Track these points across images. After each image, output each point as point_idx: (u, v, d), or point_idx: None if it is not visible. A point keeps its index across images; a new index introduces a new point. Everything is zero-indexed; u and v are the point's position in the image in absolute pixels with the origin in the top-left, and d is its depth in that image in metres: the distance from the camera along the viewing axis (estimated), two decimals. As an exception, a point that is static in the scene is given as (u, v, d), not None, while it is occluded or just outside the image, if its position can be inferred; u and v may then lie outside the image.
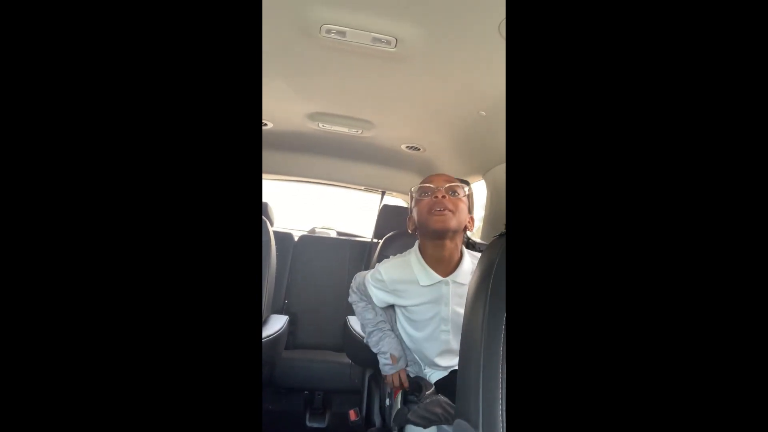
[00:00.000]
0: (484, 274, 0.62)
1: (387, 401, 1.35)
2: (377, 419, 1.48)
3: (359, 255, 2.31)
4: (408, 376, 1.26)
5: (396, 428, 1.22)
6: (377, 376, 1.55)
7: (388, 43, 1.04)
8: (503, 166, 1.68)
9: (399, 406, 1.23)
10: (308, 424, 2.04)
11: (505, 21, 0.89)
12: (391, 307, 1.31)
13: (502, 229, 0.61)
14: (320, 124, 1.74)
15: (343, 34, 1.03)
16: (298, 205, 3.00)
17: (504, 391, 0.50)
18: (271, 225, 1.95)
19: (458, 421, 0.59)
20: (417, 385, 1.20)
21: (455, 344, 1.24)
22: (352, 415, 1.52)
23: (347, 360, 1.88)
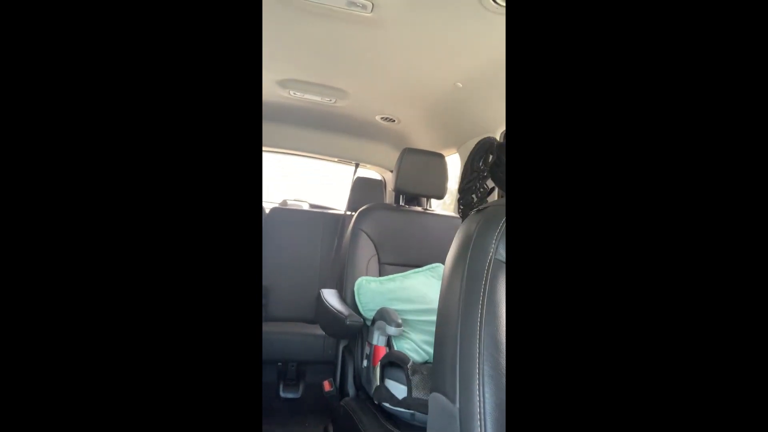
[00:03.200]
0: (462, 249, 0.61)
1: (364, 363, 1.37)
2: (351, 389, 1.51)
3: (332, 228, 2.29)
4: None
5: (375, 400, 1.24)
6: (351, 347, 1.57)
7: (364, 7, 0.99)
8: (477, 139, 1.67)
9: (378, 375, 1.25)
10: (282, 394, 2.06)
11: None
12: None
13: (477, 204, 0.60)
14: (292, 92, 1.68)
15: (316, -5, 0.97)
16: (270, 177, 2.93)
17: (482, 367, 0.51)
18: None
19: (434, 395, 0.60)
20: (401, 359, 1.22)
21: None
22: (326, 385, 1.54)
23: (321, 332, 1.89)
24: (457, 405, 0.52)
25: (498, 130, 1.55)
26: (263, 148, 2.35)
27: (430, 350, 1.34)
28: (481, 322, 0.52)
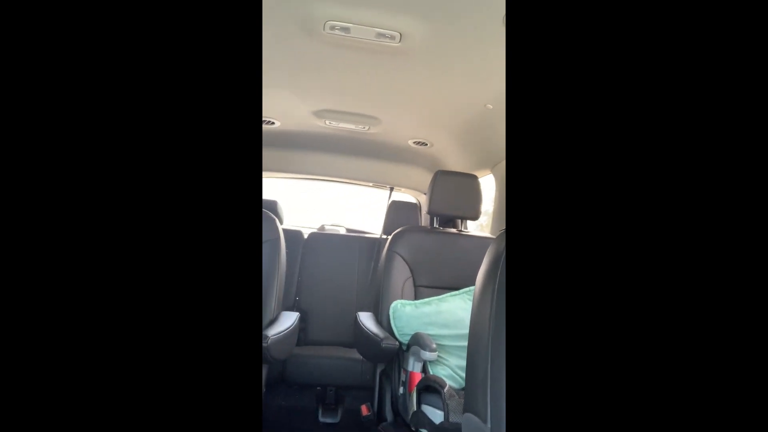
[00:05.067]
0: (491, 268, 0.61)
1: (400, 390, 1.35)
2: (389, 415, 1.49)
3: (368, 251, 2.31)
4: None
5: (413, 426, 1.23)
6: (388, 371, 1.56)
7: (393, 38, 1.04)
8: (511, 159, 1.66)
9: (414, 400, 1.24)
10: (321, 419, 2.05)
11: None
12: None
13: None
14: (327, 122, 1.74)
15: (347, 30, 1.02)
16: (308, 203, 3.01)
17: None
18: (281, 223, 1.96)
19: (467, 415, 0.59)
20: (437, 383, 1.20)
21: None
22: (364, 410, 1.53)
23: (358, 356, 1.89)
24: (488, 425, 0.51)
25: (531, 149, 1.54)
26: (302, 175, 2.43)
27: (468, 374, 1.32)
28: (510, 339, 0.52)
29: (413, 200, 2.44)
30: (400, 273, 1.57)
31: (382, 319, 1.52)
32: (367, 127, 1.76)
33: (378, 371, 1.64)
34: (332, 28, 1.01)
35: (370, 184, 2.49)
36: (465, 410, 0.60)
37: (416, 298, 1.56)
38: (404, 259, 1.59)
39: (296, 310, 2.16)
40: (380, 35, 1.03)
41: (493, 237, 1.75)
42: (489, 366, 0.53)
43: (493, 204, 1.90)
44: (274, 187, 2.59)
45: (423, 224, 2.33)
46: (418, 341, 1.29)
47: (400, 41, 1.05)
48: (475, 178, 1.64)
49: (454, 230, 1.70)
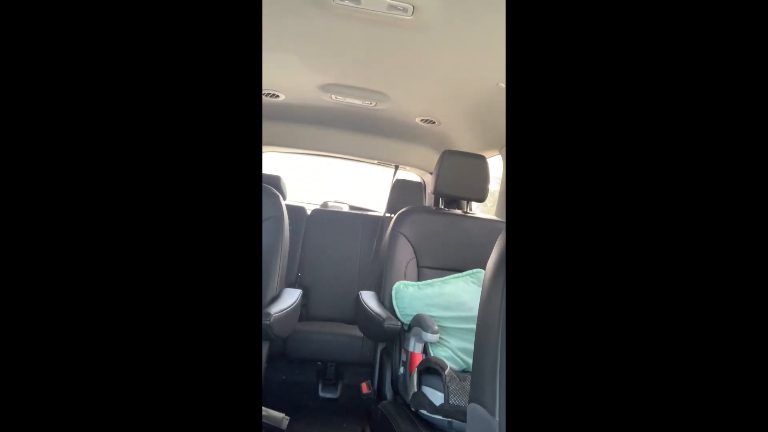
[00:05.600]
0: (501, 257, 0.60)
1: (401, 370, 1.36)
2: (388, 393, 1.50)
3: (372, 229, 2.30)
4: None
5: (413, 407, 1.24)
6: (389, 349, 1.56)
7: (405, 10, 0.99)
8: (521, 140, 1.63)
9: (415, 381, 1.24)
10: (321, 394, 2.09)
11: None
12: None
13: None
14: (333, 96, 1.70)
15: (357, 1, 0.98)
16: (311, 179, 2.98)
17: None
18: (284, 198, 1.94)
19: (473, 405, 0.58)
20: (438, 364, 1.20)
21: None
22: (364, 387, 1.55)
23: (359, 333, 1.90)
24: (497, 418, 0.51)
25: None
26: (306, 151, 2.40)
27: (468, 358, 1.32)
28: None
29: (418, 179, 2.41)
30: (404, 253, 1.56)
31: (385, 299, 1.51)
32: (374, 103, 1.72)
33: (379, 349, 1.65)
34: (342, -2, 0.97)
35: (375, 162, 2.46)
36: (471, 400, 0.59)
37: (419, 279, 1.55)
38: (408, 240, 1.57)
39: (298, 286, 2.17)
40: (392, 7, 0.98)
41: (499, 219, 1.73)
42: (498, 358, 0.52)
43: (500, 185, 1.87)
44: (277, 161, 2.56)
45: (427, 204, 2.30)
46: (420, 322, 1.29)
47: (412, 14, 1.00)
48: (483, 158, 1.61)
49: (459, 212, 1.68)
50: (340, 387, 2.14)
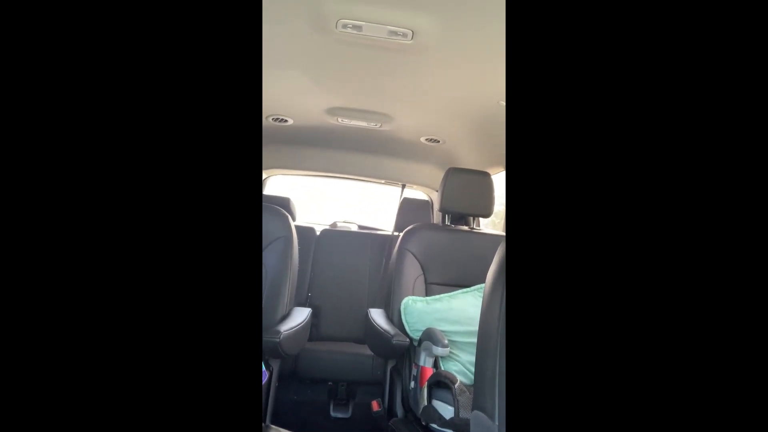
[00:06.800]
0: (501, 267, 0.62)
1: (411, 384, 1.36)
2: (399, 410, 1.50)
3: (380, 248, 2.32)
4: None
5: (423, 421, 1.23)
6: (398, 367, 1.57)
7: (405, 35, 1.04)
8: (524, 156, 1.65)
9: (425, 395, 1.24)
10: (332, 414, 2.07)
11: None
12: None
13: None
14: (339, 119, 1.75)
15: (359, 28, 1.03)
16: (320, 200, 3.03)
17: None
18: (293, 220, 1.98)
19: (476, 413, 0.59)
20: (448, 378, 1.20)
21: None
22: (375, 405, 1.54)
23: (369, 352, 1.91)
24: (496, 422, 0.52)
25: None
26: (315, 173, 2.45)
27: (478, 372, 1.31)
28: (518, 338, 0.52)
29: (425, 197, 2.44)
30: (412, 270, 1.57)
31: (393, 316, 1.52)
32: (379, 125, 1.77)
33: (389, 367, 1.65)
34: (344, 26, 1.02)
35: (382, 182, 2.50)
36: (474, 407, 0.60)
37: (427, 295, 1.56)
38: (416, 257, 1.59)
39: (308, 306, 2.18)
40: (392, 33, 1.03)
41: (504, 235, 1.74)
42: (497, 364, 0.54)
43: (505, 201, 1.89)
44: (286, 184, 2.61)
45: (435, 222, 2.32)
46: (430, 336, 1.30)
47: (412, 39, 1.05)
48: (487, 175, 1.64)
49: (465, 228, 1.70)
50: (351, 406, 2.12)
